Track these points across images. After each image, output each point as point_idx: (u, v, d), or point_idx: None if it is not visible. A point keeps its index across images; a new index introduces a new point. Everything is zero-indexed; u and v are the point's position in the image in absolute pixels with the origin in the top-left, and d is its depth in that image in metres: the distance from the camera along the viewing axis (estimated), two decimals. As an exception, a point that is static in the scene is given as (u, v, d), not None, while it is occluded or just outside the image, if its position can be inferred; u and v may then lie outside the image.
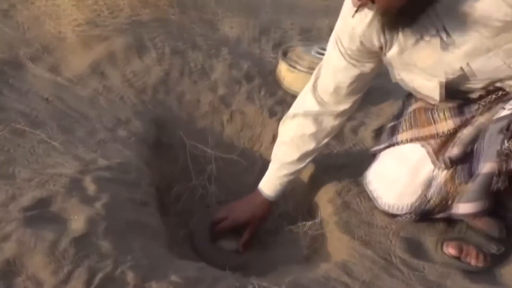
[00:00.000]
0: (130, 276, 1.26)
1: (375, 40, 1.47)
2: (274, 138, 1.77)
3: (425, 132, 1.60)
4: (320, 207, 1.79)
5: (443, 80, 1.46)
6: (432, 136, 1.58)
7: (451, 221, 1.66)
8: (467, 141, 1.51)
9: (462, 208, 1.51)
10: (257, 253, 1.71)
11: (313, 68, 1.71)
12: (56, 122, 1.78)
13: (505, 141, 1.39)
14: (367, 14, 1.43)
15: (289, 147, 1.69)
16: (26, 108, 1.83)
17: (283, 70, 2.30)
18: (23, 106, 1.84)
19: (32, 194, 1.43)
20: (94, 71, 2.15)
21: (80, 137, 1.75)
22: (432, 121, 1.59)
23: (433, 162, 1.56)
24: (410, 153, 1.61)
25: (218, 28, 2.69)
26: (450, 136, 1.56)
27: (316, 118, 1.66)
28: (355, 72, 1.57)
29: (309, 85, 1.67)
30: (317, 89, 1.65)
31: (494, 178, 1.42)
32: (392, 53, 1.48)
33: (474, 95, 1.52)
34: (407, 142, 1.62)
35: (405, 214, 1.62)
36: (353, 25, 1.48)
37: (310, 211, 1.82)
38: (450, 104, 1.56)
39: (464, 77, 1.45)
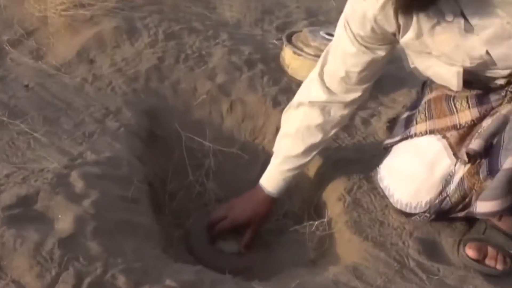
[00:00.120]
0: (121, 280, 1.26)
1: (388, 25, 1.47)
2: (278, 129, 1.77)
3: (442, 123, 1.59)
4: (328, 205, 1.78)
5: (461, 68, 1.46)
6: (450, 128, 1.58)
7: (471, 221, 1.65)
8: (488, 134, 1.50)
9: (483, 206, 1.50)
10: (260, 255, 1.71)
11: (320, 54, 1.70)
12: (39, 112, 1.78)
13: (530, 134, 1.39)
14: (380, -4, 1.43)
15: (293, 139, 1.69)
16: (4, 97, 1.83)
17: (288, 56, 2.30)
18: (0, 95, 1.83)
19: (13, 191, 1.43)
20: (81, 57, 2.15)
21: (65, 128, 1.75)
22: (451, 112, 1.59)
23: (451, 157, 1.56)
24: (426, 147, 1.60)
25: (216, 9, 2.69)
26: (470, 128, 1.55)
27: (323, 107, 1.65)
28: (366, 58, 1.56)
29: (315, 72, 1.66)
30: (324, 76, 1.64)
31: (518, 173, 1.42)
32: (406, 39, 1.47)
33: (495, 85, 1.52)
34: (423, 134, 1.62)
35: (421, 213, 1.62)
36: (364, 8, 1.47)
37: (318, 210, 1.82)
38: (470, 94, 1.56)
39: (483, 65, 1.44)
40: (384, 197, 1.69)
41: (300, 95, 1.71)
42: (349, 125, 2.04)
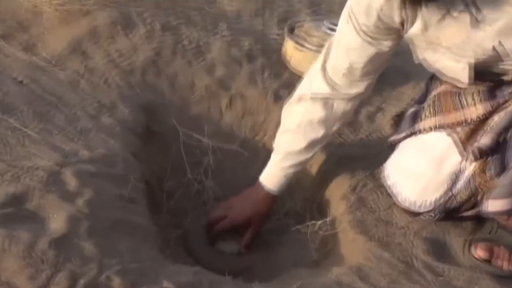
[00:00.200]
0: (116, 282, 1.26)
1: (395, 16, 1.47)
2: (279, 125, 1.77)
3: (451, 118, 1.60)
4: (331, 204, 1.79)
5: (472, 61, 1.46)
6: (459, 123, 1.58)
7: (480, 220, 1.66)
8: (499, 129, 1.50)
9: (493, 205, 1.51)
10: (260, 256, 1.73)
11: (323, 47, 1.71)
12: (31, 108, 1.78)
13: (542, 129, 1.40)
14: (386, -15, 1.43)
15: (295, 135, 1.70)
16: (-5, 92, 1.84)
17: (290, 49, 2.30)
18: (-10, 89, 1.84)
19: (4, 190, 1.43)
20: (74, 51, 2.15)
21: (58, 124, 1.75)
22: (460, 106, 1.59)
23: (460, 153, 1.56)
24: (434, 143, 1.61)
25: (215, 0, 2.69)
26: (480, 124, 1.55)
27: (326, 101, 1.66)
28: (371, 51, 1.57)
29: (318, 64, 1.67)
30: (327, 69, 1.65)
31: (529, 171, 1.43)
32: (414, 30, 1.48)
33: (507, 77, 1.52)
34: (431, 130, 1.62)
35: (428, 212, 1.62)
36: (370, -3, 1.48)
37: (320, 209, 1.83)
38: (480, 87, 1.56)
39: (496, 57, 1.44)
40: (390, 195, 1.70)
41: (302, 89, 1.71)
42: (353, 121, 2.04)
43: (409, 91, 2.24)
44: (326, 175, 1.87)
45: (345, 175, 1.82)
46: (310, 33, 2.29)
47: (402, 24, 1.49)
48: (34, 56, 2.09)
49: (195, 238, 1.74)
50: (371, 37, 1.54)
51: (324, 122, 1.68)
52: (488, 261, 1.57)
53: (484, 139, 1.51)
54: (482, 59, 1.45)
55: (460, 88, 1.59)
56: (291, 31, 2.35)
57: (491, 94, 1.55)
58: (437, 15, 1.41)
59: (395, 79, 2.25)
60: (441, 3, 1.38)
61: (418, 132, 1.66)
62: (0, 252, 1.26)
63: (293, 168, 1.73)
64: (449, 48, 1.47)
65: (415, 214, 1.65)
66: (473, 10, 1.37)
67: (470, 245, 1.61)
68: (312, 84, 1.68)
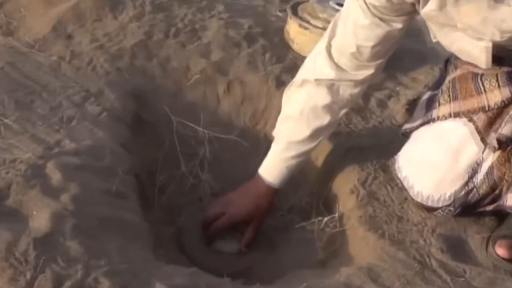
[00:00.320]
0: (105, 284, 1.26)
1: (407, -7, 1.47)
2: (281, 113, 1.78)
3: (469, 105, 1.59)
4: (339, 198, 1.79)
5: (490, 43, 1.45)
6: (477, 110, 1.57)
7: (502, 215, 1.66)
8: (520, 118, 1.51)
9: (515, 198, 1.51)
10: (262, 256, 1.73)
11: (329, 27, 1.71)
12: (10, 95, 1.79)
13: None
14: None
15: (297, 122, 1.69)
16: (-30, 79, 1.84)
17: (293, 30, 2.30)
18: (-33, 76, 1.85)
19: (-18, 185, 1.43)
20: (57, 33, 2.15)
21: (40, 113, 1.75)
22: (478, 91, 1.59)
23: (478, 143, 1.56)
24: (450, 132, 1.61)
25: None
26: (500, 111, 1.55)
27: (331, 86, 1.65)
28: (380, 31, 1.56)
29: (322, 45, 1.66)
30: (332, 50, 1.64)
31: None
32: (428, 10, 1.47)
33: (529, 60, 1.52)
34: (447, 118, 1.62)
35: (445, 206, 1.62)
36: (379, -27, 1.47)
37: (327, 204, 1.83)
38: (500, 70, 1.55)
39: (516, 40, 1.44)
40: (402, 189, 1.70)
41: (304, 72, 1.71)
42: (363, 108, 2.05)
43: (424, 76, 2.24)
44: (333, 167, 1.87)
45: (354, 167, 1.82)
46: (315, 13, 2.30)
47: (414, 2, 1.49)
48: (15, 40, 2.09)
49: (190, 237, 1.75)
50: (380, 16, 1.54)
51: (329, 108, 1.67)
52: (509, 260, 1.57)
53: (506, 128, 1.51)
54: (501, 40, 1.44)
55: (479, 72, 1.58)
56: (295, 11, 2.35)
57: (511, 78, 1.54)
58: (454, -8, 1.41)
59: (409, 63, 2.25)
60: (459, -21, 1.38)
61: (433, 120, 1.65)
62: (-22, 252, 1.26)
63: (296, 159, 1.72)
64: (465, 30, 1.47)
65: (430, 210, 1.65)
66: (492, -13, 1.37)
67: (490, 242, 1.61)
68: (316, 66, 1.68)
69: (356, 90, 1.68)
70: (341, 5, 2.14)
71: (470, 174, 1.58)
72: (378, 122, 2.04)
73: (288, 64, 2.20)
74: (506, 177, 1.54)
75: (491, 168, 1.56)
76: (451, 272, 1.52)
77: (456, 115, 1.60)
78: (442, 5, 1.44)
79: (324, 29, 2.15)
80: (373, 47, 1.59)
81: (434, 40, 1.59)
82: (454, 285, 1.49)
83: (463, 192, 1.59)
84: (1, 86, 1.83)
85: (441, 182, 1.60)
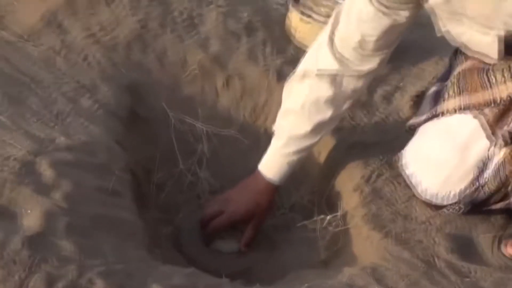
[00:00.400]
0: (99, 285, 1.27)
1: (413, -19, 1.48)
2: (282, 107, 1.78)
3: (478, 98, 1.60)
4: (342, 196, 1.80)
5: (502, 33, 1.46)
6: (487, 104, 1.58)
7: (511, 214, 1.67)
8: (532, 111, 1.52)
9: (526, 196, 1.52)
10: (262, 255, 1.74)
11: (333, 18, 1.71)
12: (1, 90, 1.77)
13: None
14: None
15: (299, 116, 1.70)
16: (-42, 73, 1.84)
17: (295, 20, 2.30)
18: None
19: (-28, 183, 1.44)
20: (49, 24, 2.14)
21: (32, 108, 1.75)
22: (488, 85, 1.59)
23: (488, 137, 1.57)
24: (458, 126, 1.62)
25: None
26: (510, 104, 1.56)
27: (334, 78, 1.66)
28: (385, 22, 1.57)
29: (324, 36, 1.66)
30: (335, 41, 1.64)
31: None
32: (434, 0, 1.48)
33: (542, 52, 1.52)
34: (455, 112, 1.63)
35: (452, 204, 1.64)
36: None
37: (330, 202, 1.83)
38: (511, 62, 1.56)
39: (528, 29, 1.45)
40: (408, 186, 1.71)
41: (306, 64, 1.71)
42: (367, 102, 2.05)
43: (431, 68, 2.23)
44: (336, 163, 1.88)
45: (357, 163, 1.83)
46: (318, 2, 2.29)
47: (423, -12, 1.50)
48: (3, 30, 2.09)
49: (188, 236, 1.75)
50: (385, 5, 1.54)
51: (332, 101, 1.67)
52: (519, 260, 1.58)
53: (517, 123, 1.51)
54: (512, 29, 1.45)
55: (488, 64, 1.59)
56: (296, 0, 2.35)
57: (523, 71, 1.55)
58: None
59: (416, 55, 2.25)
60: (466, -34, 1.39)
61: (440, 114, 1.66)
62: (-32, 252, 1.27)
63: (297, 155, 1.73)
64: (475, 19, 1.47)
65: (437, 208, 1.66)
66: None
67: (499, 242, 1.62)
68: (318, 57, 1.68)
69: (360, 83, 1.68)
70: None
71: (478, 170, 1.58)
72: (383, 117, 2.04)
73: (289, 56, 2.20)
74: (515, 174, 1.55)
75: (500, 164, 1.56)
76: (459, 272, 1.53)
77: (464, 108, 1.61)
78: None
79: (326, 19, 2.15)
80: (378, 38, 1.59)
81: (439, 34, 1.59)
82: (461, 286, 1.49)
83: (470, 190, 1.59)
84: (-7, 81, 1.84)
85: (448, 179, 1.61)
